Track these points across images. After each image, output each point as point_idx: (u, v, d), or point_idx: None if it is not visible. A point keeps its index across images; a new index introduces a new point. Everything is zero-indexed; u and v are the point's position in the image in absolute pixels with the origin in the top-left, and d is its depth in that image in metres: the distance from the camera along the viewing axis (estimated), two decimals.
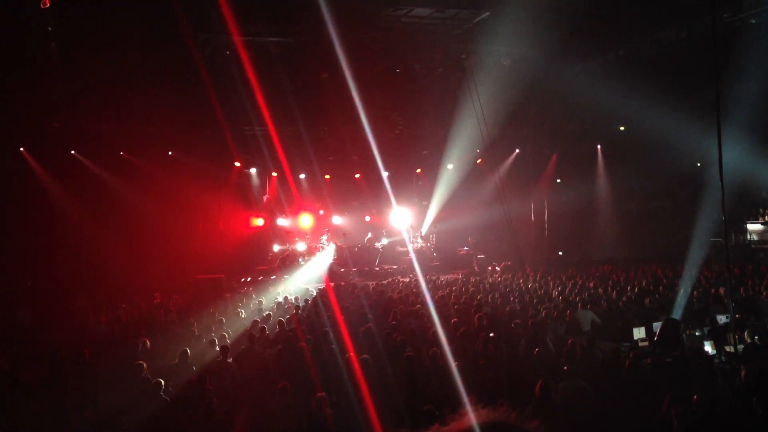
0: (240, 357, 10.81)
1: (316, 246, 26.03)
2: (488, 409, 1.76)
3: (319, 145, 26.43)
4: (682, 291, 15.89)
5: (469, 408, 1.82)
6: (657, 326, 11.50)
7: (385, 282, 20.55)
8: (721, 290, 15.05)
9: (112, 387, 9.52)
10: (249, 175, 27.34)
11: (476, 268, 25.51)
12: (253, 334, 11.79)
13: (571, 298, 15.83)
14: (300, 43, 20.79)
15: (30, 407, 8.97)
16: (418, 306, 14.03)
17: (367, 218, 29.39)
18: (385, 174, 26.14)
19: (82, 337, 13.46)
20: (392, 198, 26.08)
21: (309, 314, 14.37)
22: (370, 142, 23.39)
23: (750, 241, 24.52)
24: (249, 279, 22.85)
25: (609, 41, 21.75)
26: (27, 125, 20.94)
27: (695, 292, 15.84)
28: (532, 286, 18.23)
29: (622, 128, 26.74)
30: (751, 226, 24.60)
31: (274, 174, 27.61)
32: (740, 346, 10.48)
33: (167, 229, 22.64)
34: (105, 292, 18.72)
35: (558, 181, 28.74)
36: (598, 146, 28.07)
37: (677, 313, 13.26)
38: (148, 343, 11.21)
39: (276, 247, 26.49)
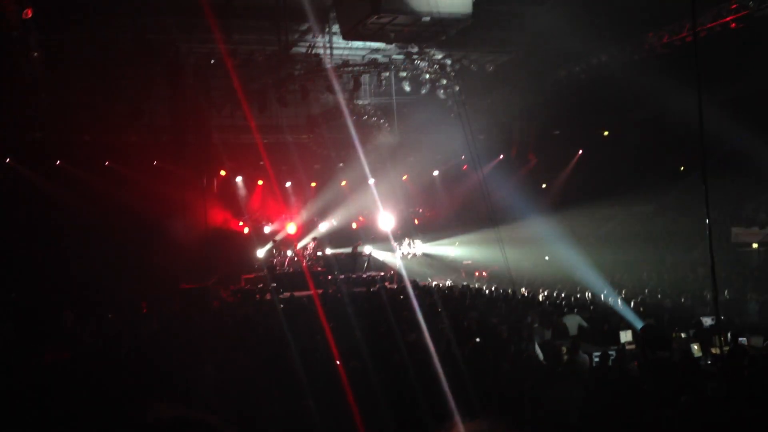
0: (225, 364, 10.74)
1: (304, 253, 25.97)
2: (476, 421, 1.76)
3: (305, 153, 26.42)
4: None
5: (456, 419, 1.83)
6: (641, 329, 11.59)
7: (372, 289, 20.52)
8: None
9: (98, 399, 9.42)
10: (235, 183, 27.26)
11: (463, 274, 25.54)
12: None
13: (557, 303, 15.91)
14: (285, 51, 20.78)
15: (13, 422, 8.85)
16: (406, 313, 14.01)
17: (354, 225, 29.36)
18: (371, 181, 26.19)
19: (69, 349, 13.34)
20: (379, 204, 26.10)
21: (296, 321, 14.30)
22: (356, 150, 23.44)
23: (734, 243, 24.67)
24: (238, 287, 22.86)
25: (593, 46, 21.90)
26: (10, 136, 20.79)
27: (690, 301, 15.99)
28: (518, 291, 18.28)
29: (605, 133, 26.91)
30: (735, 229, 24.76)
31: (260, 182, 27.54)
32: (726, 349, 10.55)
33: (153, 238, 22.52)
34: (91, 302, 18.57)
35: (543, 186, 28.85)
36: (580, 151, 28.18)
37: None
38: None
39: (260, 254, 26.31)
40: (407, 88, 23.48)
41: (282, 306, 16.96)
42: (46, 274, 20.40)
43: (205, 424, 1.82)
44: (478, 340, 10.92)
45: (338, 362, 9.14)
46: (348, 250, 26.92)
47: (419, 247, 27.54)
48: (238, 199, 26.90)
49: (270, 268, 24.16)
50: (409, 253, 27.19)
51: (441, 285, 21.57)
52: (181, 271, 21.36)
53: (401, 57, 22.30)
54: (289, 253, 25.53)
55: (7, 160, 21.84)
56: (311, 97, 22.79)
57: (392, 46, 21.25)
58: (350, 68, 22.42)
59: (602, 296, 16.64)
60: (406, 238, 27.67)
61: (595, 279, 19.99)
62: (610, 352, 10.64)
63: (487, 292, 18.86)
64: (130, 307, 17.85)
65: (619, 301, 15.67)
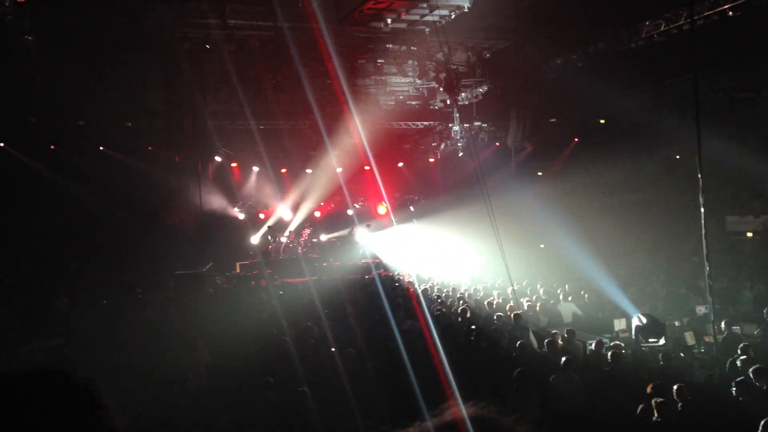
0: (222, 352, 10.76)
1: (299, 240, 25.92)
2: (469, 404, 1.76)
3: (300, 140, 26.33)
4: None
5: (450, 403, 1.82)
6: (635, 318, 11.63)
7: (367, 277, 20.52)
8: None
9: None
10: (230, 169, 27.13)
11: (460, 261, 25.49)
12: None
13: (552, 291, 15.95)
14: (281, 37, 20.66)
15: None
16: (401, 300, 14.03)
17: (350, 211, 29.31)
18: (367, 167, 26.11)
19: (63, 335, 13.35)
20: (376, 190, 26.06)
21: (290, 308, 14.32)
22: (352, 136, 23.38)
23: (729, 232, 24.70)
24: (233, 273, 22.84)
25: (589, 35, 21.83)
26: (4, 120, 20.68)
27: (684, 290, 16.01)
28: (514, 278, 18.28)
29: (602, 121, 26.84)
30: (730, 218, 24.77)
31: (255, 168, 27.44)
32: (719, 337, 10.60)
33: (148, 224, 22.45)
34: (86, 288, 18.56)
35: (539, 174, 28.80)
36: (575, 139, 28.09)
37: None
38: None
39: (254, 240, 26.25)
40: (403, 75, 23.41)
41: (276, 293, 16.97)
42: (41, 259, 20.37)
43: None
44: (473, 327, 10.95)
45: (333, 349, 9.15)
46: (344, 232, 26.93)
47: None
48: (233, 184, 26.81)
49: (265, 255, 24.13)
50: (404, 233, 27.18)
51: (437, 272, 21.54)
52: (175, 256, 21.33)
53: (397, 43, 22.19)
54: (284, 239, 25.48)
55: (2, 144, 21.74)
56: (307, 83, 22.68)
57: (389, 32, 21.14)
58: (347, 54, 22.31)
59: (597, 284, 16.65)
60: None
61: (589, 267, 20.03)
62: (604, 340, 10.69)
63: (483, 279, 18.86)
64: (125, 293, 17.84)
65: (613, 289, 15.71)
